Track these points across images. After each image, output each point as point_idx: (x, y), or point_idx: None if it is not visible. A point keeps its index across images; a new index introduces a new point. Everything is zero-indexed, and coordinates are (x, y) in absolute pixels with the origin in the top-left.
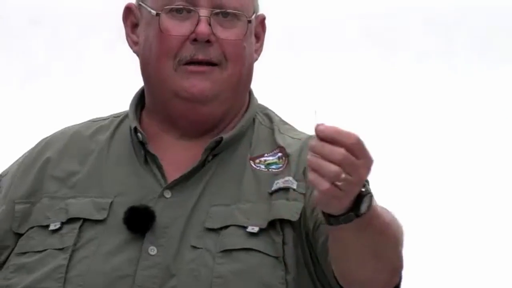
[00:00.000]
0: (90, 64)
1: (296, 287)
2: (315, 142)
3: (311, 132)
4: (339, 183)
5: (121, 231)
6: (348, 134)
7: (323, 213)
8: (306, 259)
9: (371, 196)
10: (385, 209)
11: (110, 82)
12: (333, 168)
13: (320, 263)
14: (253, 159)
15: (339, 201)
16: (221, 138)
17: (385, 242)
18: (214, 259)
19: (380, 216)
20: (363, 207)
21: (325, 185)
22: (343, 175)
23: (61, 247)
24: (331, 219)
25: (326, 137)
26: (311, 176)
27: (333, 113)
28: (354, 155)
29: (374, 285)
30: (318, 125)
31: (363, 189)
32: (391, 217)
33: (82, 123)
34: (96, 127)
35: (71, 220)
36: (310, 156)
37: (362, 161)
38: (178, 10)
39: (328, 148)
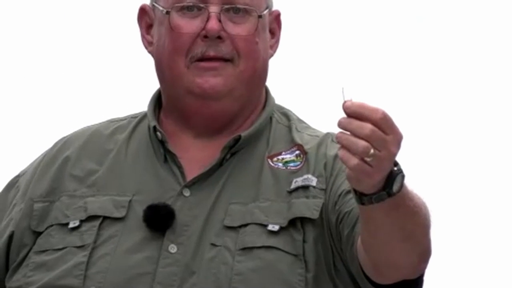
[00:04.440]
0: (104, 65)
1: (315, 285)
2: (343, 119)
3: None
4: (368, 159)
5: (140, 229)
6: (375, 109)
7: (355, 192)
8: (327, 256)
9: (403, 176)
10: (416, 193)
11: (124, 83)
12: (361, 143)
13: (344, 256)
14: (271, 157)
15: (369, 177)
16: (239, 136)
17: (416, 224)
18: (234, 256)
19: (412, 198)
20: (396, 187)
21: (354, 161)
22: (372, 151)
23: (81, 244)
24: (363, 198)
25: (353, 113)
26: (341, 152)
27: (360, 90)
28: (382, 130)
29: (403, 268)
30: (345, 102)
31: (395, 168)
32: (422, 201)
33: (100, 123)
34: (114, 127)
35: (90, 218)
36: (339, 133)
37: (390, 136)
38: (189, 8)
39: (355, 123)
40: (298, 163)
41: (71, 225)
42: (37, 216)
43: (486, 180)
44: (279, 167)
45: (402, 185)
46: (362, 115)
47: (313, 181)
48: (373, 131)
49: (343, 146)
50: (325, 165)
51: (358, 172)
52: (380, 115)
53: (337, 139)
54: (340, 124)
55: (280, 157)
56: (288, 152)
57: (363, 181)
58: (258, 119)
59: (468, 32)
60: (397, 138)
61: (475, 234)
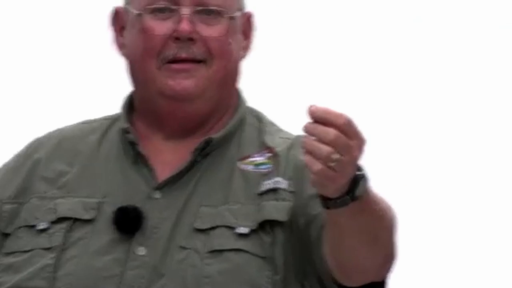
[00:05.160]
0: (81, 68)
1: None
2: (308, 124)
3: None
4: (332, 164)
5: (109, 231)
6: (339, 115)
7: (320, 196)
8: (296, 259)
9: (367, 180)
10: (381, 197)
11: (101, 86)
12: (325, 148)
13: (312, 259)
14: (242, 160)
15: (333, 182)
16: (211, 138)
17: (381, 228)
18: (202, 259)
19: (377, 202)
20: (359, 191)
21: (318, 165)
22: (336, 156)
23: (49, 246)
24: (328, 202)
25: (318, 117)
26: (305, 157)
27: (326, 99)
28: (346, 135)
29: (369, 271)
30: (310, 106)
31: (359, 173)
32: (387, 204)
33: (73, 124)
34: (86, 129)
35: (59, 220)
36: (304, 138)
37: (354, 142)
38: (160, 10)
39: (320, 128)
40: (269, 165)
41: (39, 226)
42: (6, 217)
43: (452, 182)
44: (250, 169)
45: (366, 189)
46: (327, 120)
47: (283, 184)
48: (337, 137)
49: (308, 151)
50: (295, 167)
51: (322, 176)
52: (344, 121)
53: (302, 144)
54: (305, 129)
55: (251, 159)
56: (259, 154)
57: (327, 185)
58: (230, 122)
59: (466, 34)
60: (361, 143)
61: (440, 237)
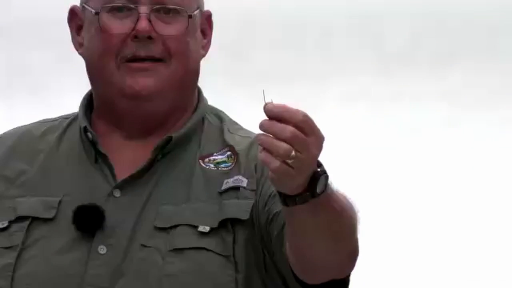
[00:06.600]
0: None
1: (246, 286)
2: (264, 121)
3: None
4: (289, 161)
5: (70, 230)
6: (296, 111)
7: (279, 193)
8: (258, 257)
9: (327, 176)
10: (343, 194)
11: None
12: (283, 145)
13: (274, 257)
14: (203, 158)
15: (291, 179)
16: (170, 137)
17: (342, 224)
18: (164, 258)
19: (337, 199)
20: (319, 188)
21: (276, 163)
22: (293, 153)
23: (9, 245)
24: (287, 199)
25: (275, 115)
26: (263, 155)
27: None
28: (303, 132)
29: (330, 268)
30: (266, 104)
31: (318, 170)
32: (348, 201)
33: (32, 123)
34: (45, 127)
35: (19, 219)
36: (261, 136)
37: (312, 138)
38: (118, 8)
39: (277, 126)
40: (229, 164)
41: None
42: None
43: (413, 181)
44: (211, 168)
45: (326, 186)
46: (283, 117)
47: (244, 182)
48: (294, 133)
49: (265, 149)
50: (256, 166)
51: (280, 174)
52: (301, 117)
53: (259, 141)
54: (261, 127)
55: (211, 158)
56: (220, 153)
57: (285, 183)
58: (190, 120)
59: None
60: (318, 140)
61: (403, 235)
